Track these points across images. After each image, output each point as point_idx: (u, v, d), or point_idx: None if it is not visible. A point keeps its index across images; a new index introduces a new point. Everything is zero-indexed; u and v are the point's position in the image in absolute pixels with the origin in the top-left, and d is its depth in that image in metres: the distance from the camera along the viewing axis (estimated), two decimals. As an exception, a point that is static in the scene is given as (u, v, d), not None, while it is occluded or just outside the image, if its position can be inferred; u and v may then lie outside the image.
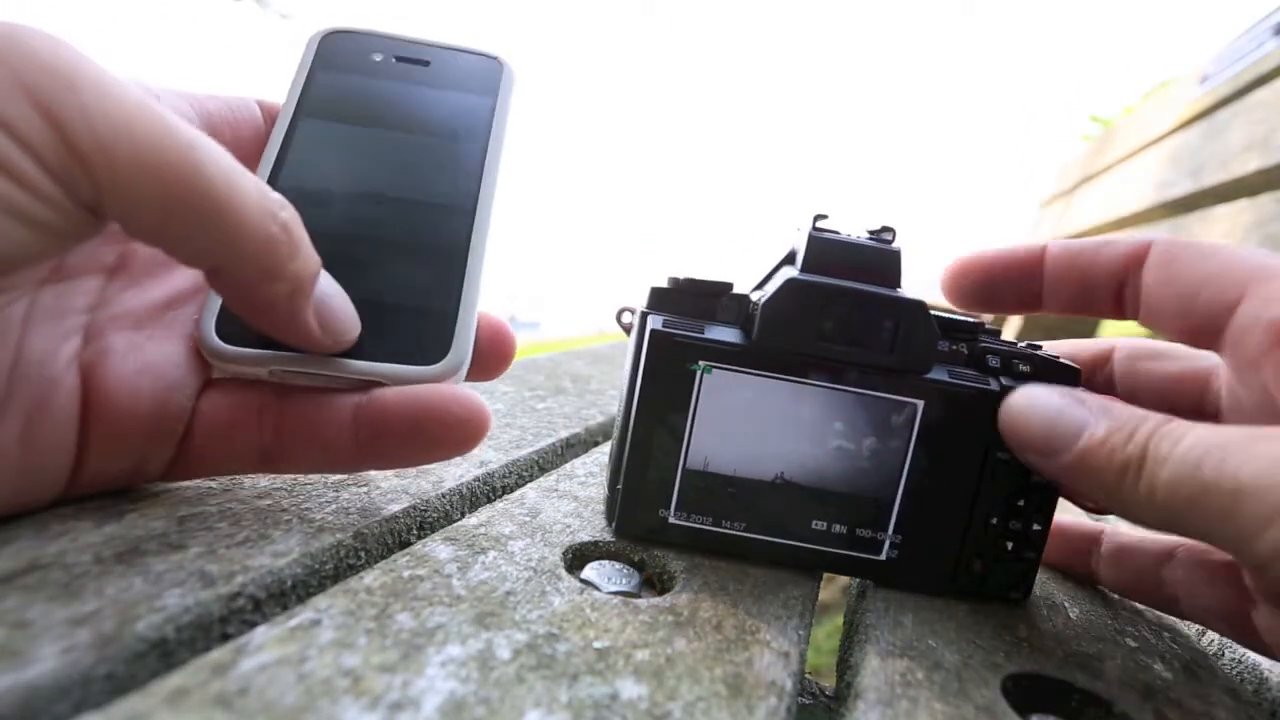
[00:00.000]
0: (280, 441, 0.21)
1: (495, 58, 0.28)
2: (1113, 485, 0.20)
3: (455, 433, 0.21)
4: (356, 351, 0.22)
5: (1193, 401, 0.25)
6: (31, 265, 0.18)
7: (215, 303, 0.22)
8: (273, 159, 0.24)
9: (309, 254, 0.19)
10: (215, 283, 0.19)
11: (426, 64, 0.27)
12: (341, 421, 0.21)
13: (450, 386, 0.21)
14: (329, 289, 0.21)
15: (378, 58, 0.26)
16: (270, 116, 0.25)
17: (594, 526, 0.26)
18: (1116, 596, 0.29)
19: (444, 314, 0.23)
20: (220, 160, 0.17)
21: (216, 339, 0.21)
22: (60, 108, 0.15)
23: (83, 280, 0.21)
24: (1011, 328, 1.79)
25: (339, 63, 0.26)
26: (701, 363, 0.24)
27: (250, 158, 0.23)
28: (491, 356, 0.24)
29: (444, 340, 0.22)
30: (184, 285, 0.23)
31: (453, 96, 0.26)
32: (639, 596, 0.22)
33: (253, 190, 0.18)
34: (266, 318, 0.20)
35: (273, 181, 0.23)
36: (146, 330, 0.21)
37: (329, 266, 0.21)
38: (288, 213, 0.19)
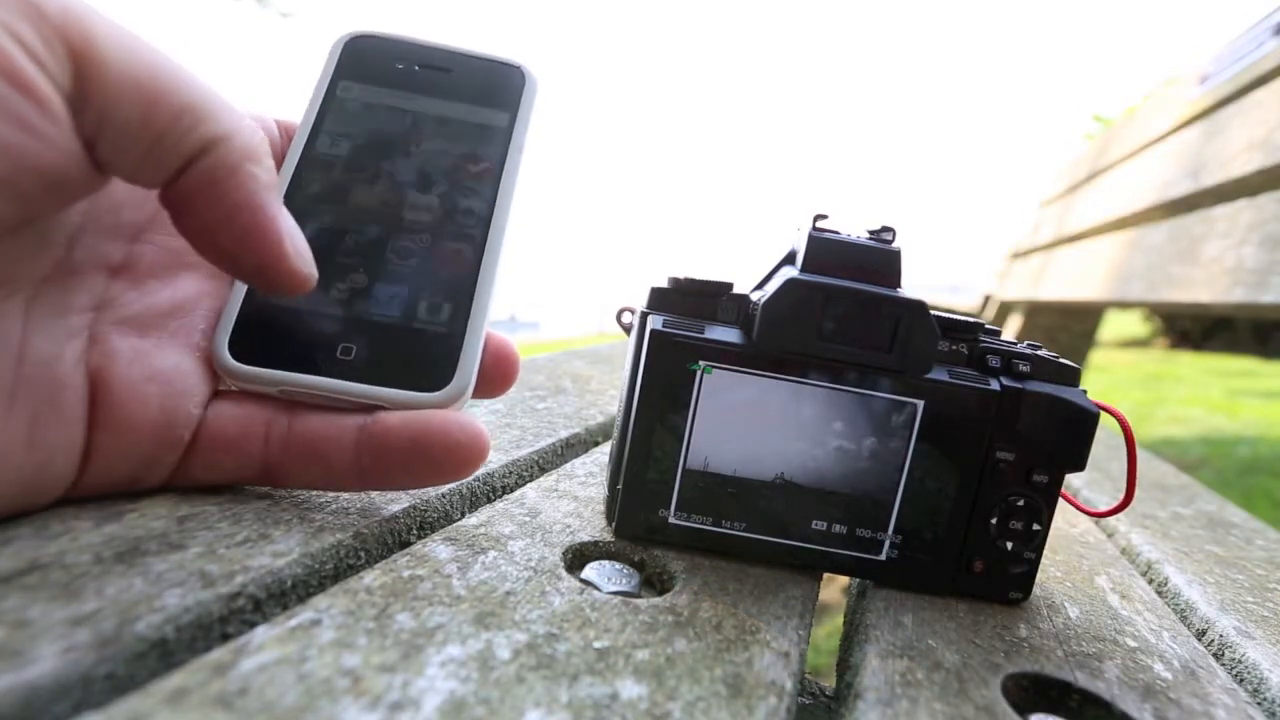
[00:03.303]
0: (284, 457, 0.22)
1: (518, 66, 0.27)
2: None
3: (455, 457, 0.21)
4: (362, 374, 0.22)
5: None
6: (29, 214, 0.18)
7: (228, 320, 0.22)
8: (291, 171, 0.24)
9: None
10: (194, 179, 0.19)
11: (448, 71, 0.26)
12: (345, 441, 0.22)
13: (452, 413, 0.22)
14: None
15: (400, 65, 0.26)
16: (288, 137, 0.25)
17: (594, 526, 0.26)
18: (1117, 597, 0.29)
19: (450, 340, 0.23)
20: (200, 76, 0.19)
21: (229, 356, 0.22)
22: (66, 26, 0.17)
23: (86, 278, 0.21)
24: (1011, 328, 1.79)
25: (361, 70, 0.26)
26: (701, 363, 0.24)
27: None
28: (495, 376, 0.24)
29: (448, 367, 0.22)
30: (189, 293, 0.23)
31: (473, 109, 0.26)
32: (639, 596, 0.22)
33: (227, 98, 0.19)
34: (243, 215, 0.20)
35: (291, 194, 0.24)
36: (152, 336, 0.21)
37: (337, 284, 0.21)
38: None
